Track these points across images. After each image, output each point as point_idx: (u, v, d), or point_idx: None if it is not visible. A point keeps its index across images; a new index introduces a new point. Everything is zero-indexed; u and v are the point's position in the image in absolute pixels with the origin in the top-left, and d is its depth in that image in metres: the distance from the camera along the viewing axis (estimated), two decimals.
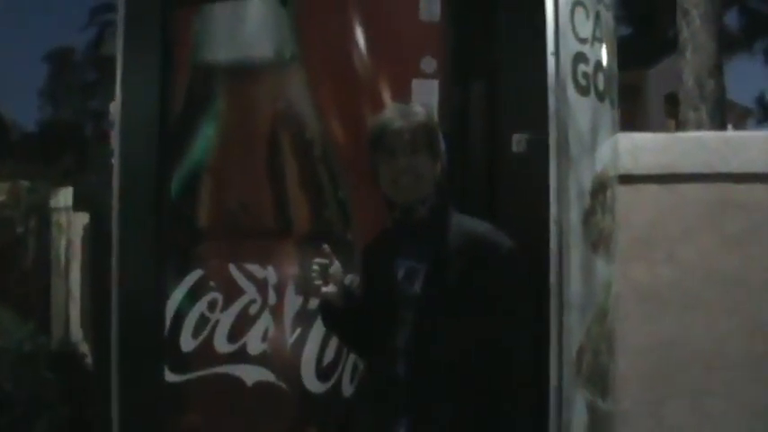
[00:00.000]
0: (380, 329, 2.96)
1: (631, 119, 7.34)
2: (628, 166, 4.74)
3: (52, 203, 10.22)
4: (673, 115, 9.47)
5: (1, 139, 24.77)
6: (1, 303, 8.02)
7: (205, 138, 3.52)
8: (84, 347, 7.87)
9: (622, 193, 4.54)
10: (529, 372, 2.91)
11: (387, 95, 3.34)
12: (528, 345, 2.93)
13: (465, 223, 2.96)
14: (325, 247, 3.05)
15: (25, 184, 10.65)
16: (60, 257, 9.75)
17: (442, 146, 3.03)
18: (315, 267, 3.04)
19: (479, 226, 2.96)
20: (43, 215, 10.19)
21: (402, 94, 3.29)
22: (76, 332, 8.65)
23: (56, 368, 6.94)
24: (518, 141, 3.24)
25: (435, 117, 3.12)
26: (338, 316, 3.10)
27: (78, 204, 8.82)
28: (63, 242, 9.70)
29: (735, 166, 4.81)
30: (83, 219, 8.73)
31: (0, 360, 6.72)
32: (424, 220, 2.96)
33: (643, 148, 4.93)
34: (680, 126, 8.83)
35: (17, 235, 10.20)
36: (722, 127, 7.21)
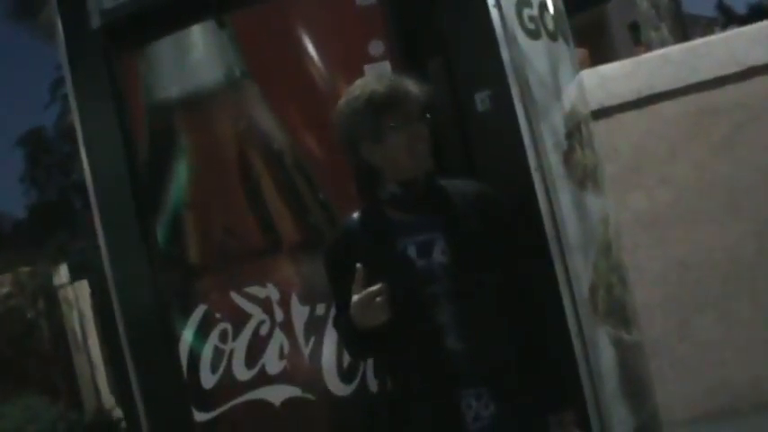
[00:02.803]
0: (410, 313, 2.80)
1: (601, 56, 7.33)
2: (600, 99, 4.72)
3: (55, 281, 10.24)
4: (639, 42, 9.43)
5: None
6: (26, 389, 8.03)
7: (177, 175, 3.50)
8: (118, 412, 7.87)
9: (602, 127, 4.52)
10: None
11: (343, 88, 3.30)
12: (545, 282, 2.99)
13: (459, 184, 2.91)
14: (359, 267, 2.75)
15: (25, 269, 10.68)
16: (76, 330, 9.77)
17: None
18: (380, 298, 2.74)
19: (472, 183, 2.94)
20: (49, 295, 10.21)
21: None
22: (108, 399, 8.65)
23: None
24: (481, 100, 3.22)
25: None
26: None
27: (76, 275, 8.82)
28: (75, 315, 9.72)
29: (705, 74, 4.78)
30: (87, 288, 8.74)
31: None
32: (425, 190, 2.85)
33: (611, 78, 4.90)
34: (648, 50, 8.81)
35: (29, 320, 10.22)
36: (685, 40, 7.17)
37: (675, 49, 5.24)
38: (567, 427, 2.84)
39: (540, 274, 2.94)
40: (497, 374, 2.80)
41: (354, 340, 2.89)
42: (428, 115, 2.83)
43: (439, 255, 2.81)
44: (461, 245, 2.81)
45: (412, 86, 2.83)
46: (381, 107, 2.78)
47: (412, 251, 2.83)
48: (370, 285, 2.70)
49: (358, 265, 2.74)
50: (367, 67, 3.30)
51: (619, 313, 3.55)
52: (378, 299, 2.71)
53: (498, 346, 2.82)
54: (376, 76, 2.91)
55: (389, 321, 2.75)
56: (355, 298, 2.73)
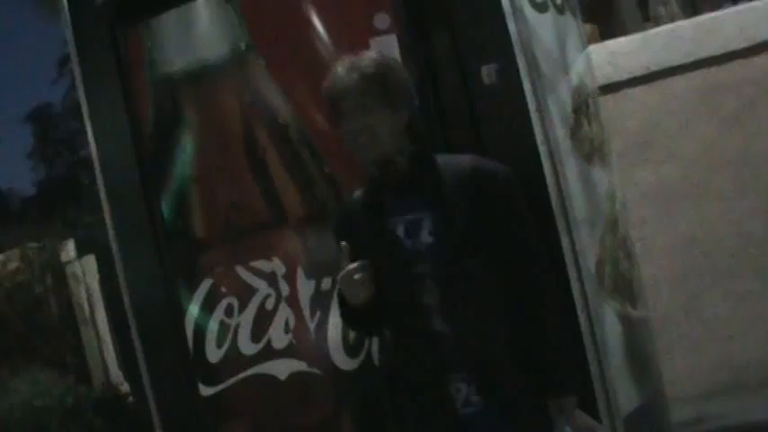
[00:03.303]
0: (399, 293, 2.84)
1: (610, 32, 7.30)
2: (608, 74, 4.71)
3: (63, 257, 10.26)
4: (648, 18, 9.39)
5: (2, 207, 24.88)
6: (35, 364, 8.07)
7: (183, 150, 3.49)
8: (126, 387, 7.91)
9: (610, 102, 4.51)
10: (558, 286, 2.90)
11: None
12: (550, 259, 2.89)
13: (453, 162, 2.86)
14: (344, 245, 2.84)
15: (33, 245, 10.71)
16: (83, 306, 9.80)
17: (407, 91, 2.88)
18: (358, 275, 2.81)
19: (467, 160, 2.87)
20: (57, 270, 10.24)
21: None
22: (115, 374, 8.69)
23: (103, 413, 6.98)
24: (488, 73, 3.19)
25: (392, 63, 2.93)
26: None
27: (83, 250, 8.85)
28: (82, 291, 9.75)
29: (714, 49, 4.77)
30: (95, 263, 8.76)
31: (48, 419, 6.76)
32: (408, 171, 2.84)
33: (620, 53, 4.90)
34: (657, 25, 8.77)
35: (37, 295, 10.26)
36: (695, 15, 7.14)
37: (685, 25, 5.23)
38: (568, 413, 2.78)
39: (542, 256, 2.85)
40: (484, 361, 2.77)
41: (344, 314, 2.98)
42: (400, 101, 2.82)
43: (426, 235, 2.80)
44: (447, 226, 2.79)
45: (350, 77, 2.80)
46: (328, 100, 2.86)
47: (401, 230, 2.83)
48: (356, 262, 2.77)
49: (343, 243, 2.81)
50: (372, 41, 3.28)
51: (625, 288, 3.54)
52: (356, 276, 2.78)
53: (486, 332, 2.78)
54: (345, 63, 2.88)
55: (378, 300, 2.81)
56: (340, 274, 2.80)
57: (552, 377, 2.78)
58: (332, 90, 2.85)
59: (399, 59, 3.22)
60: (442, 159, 2.88)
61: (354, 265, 2.78)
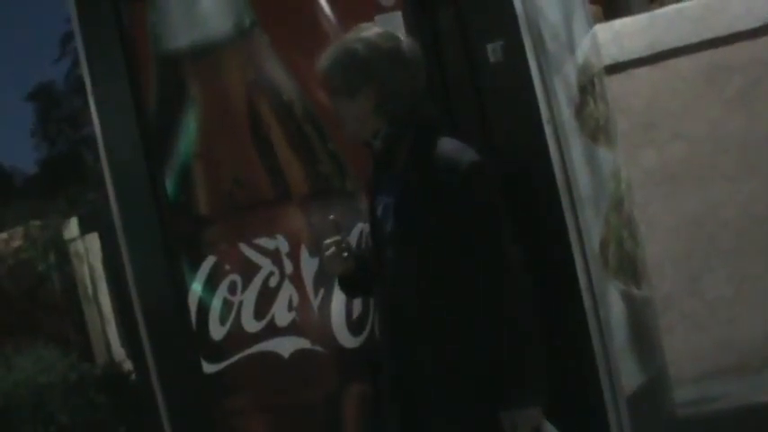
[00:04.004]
0: (375, 272, 2.91)
1: (615, 13, 7.26)
2: (614, 54, 4.69)
3: (66, 235, 10.27)
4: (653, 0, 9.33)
5: (6, 184, 24.90)
6: (38, 341, 8.09)
7: (186, 126, 3.49)
8: (129, 364, 7.92)
9: (615, 82, 4.49)
10: (522, 288, 2.73)
11: None
12: (512, 260, 2.73)
13: (429, 146, 2.80)
14: (332, 218, 2.99)
15: (36, 223, 10.72)
16: (86, 283, 9.82)
17: (373, 74, 2.82)
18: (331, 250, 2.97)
19: (444, 146, 2.79)
20: (60, 248, 10.25)
21: None
22: (118, 351, 8.71)
23: (106, 390, 7.01)
24: (493, 50, 3.18)
25: (357, 46, 2.86)
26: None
27: (86, 227, 8.85)
28: (85, 268, 9.76)
29: (720, 29, 4.75)
30: (98, 241, 8.76)
31: (51, 395, 6.78)
32: (382, 153, 2.85)
33: (626, 34, 4.87)
34: (662, 6, 8.73)
35: (40, 273, 10.28)
36: None
37: (690, 4, 5.19)
38: (522, 428, 2.66)
39: (501, 258, 2.71)
40: (408, 360, 2.80)
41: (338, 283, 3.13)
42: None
43: (392, 220, 2.83)
44: (397, 215, 2.80)
45: (324, 61, 2.87)
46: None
47: (379, 211, 2.89)
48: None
49: (331, 216, 2.99)
50: (378, 18, 3.26)
51: (629, 268, 3.53)
52: (328, 251, 2.95)
53: (416, 332, 2.77)
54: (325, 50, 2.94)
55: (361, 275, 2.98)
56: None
57: (505, 388, 2.66)
58: (320, 68, 2.93)
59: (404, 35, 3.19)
60: (441, 146, 2.80)
61: (329, 240, 2.95)
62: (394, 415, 2.85)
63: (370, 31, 2.92)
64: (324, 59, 2.89)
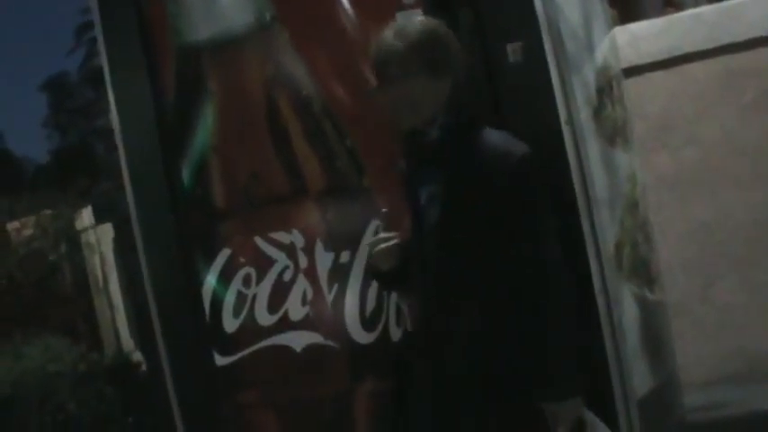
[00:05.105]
0: (416, 261, 2.87)
1: (630, 18, 7.26)
2: (630, 57, 4.68)
3: (78, 225, 10.29)
4: (671, 3, 9.30)
5: (18, 174, 25.00)
6: (49, 331, 8.11)
7: (204, 119, 3.50)
8: (138, 356, 7.94)
9: (631, 86, 4.48)
10: (565, 277, 2.75)
11: (374, 34, 3.28)
12: (556, 253, 2.75)
13: (480, 138, 2.81)
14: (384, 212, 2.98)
15: (48, 212, 10.74)
16: (97, 274, 9.83)
17: (454, 59, 2.85)
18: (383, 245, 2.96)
19: (493, 137, 2.81)
20: (72, 238, 10.27)
21: None
22: (127, 343, 8.72)
23: (114, 381, 7.02)
24: (513, 50, 3.18)
25: (440, 28, 2.87)
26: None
27: (100, 218, 8.86)
28: (96, 259, 9.78)
29: (738, 35, 4.74)
30: (110, 232, 8.77)
31: (59, 385, 6.80)
32: (436, 141, 2.82)
33: (642, 37, 4.87)
34: (678, 11, 8.71)
35: (51, 263, 10.29)
36: (719, 0, 7.09)
37: (708, 9, 5.19)
38: (563, 422, 2.68)
39: (545, 253, 2.74)
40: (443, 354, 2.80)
41: (375, 277, 3.12)
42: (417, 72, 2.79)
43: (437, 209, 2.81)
44: (448, 204, 2.78)
45: (396, 42, 2.79)
46: (373, 64, 2.86)
47: (424, 199, 2.86)
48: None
49: (383, 209, 2.94)
50: (399, 15, 3.27)
51: (643, 272, 3.53)
52: (381, 246, 2.94)
53: (452, 327, 2.78)
54: (393, 28, 2.88)
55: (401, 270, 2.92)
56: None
57: (542, 381, 2.68)
58: (378, 55, 2.84)
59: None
60: (477, 134, 2.82)
61: (382, 235, 2.90)
62: (425, 401, 2.85)
63: (425, 18, 2.94)
64: (393, 40, 2.80)
